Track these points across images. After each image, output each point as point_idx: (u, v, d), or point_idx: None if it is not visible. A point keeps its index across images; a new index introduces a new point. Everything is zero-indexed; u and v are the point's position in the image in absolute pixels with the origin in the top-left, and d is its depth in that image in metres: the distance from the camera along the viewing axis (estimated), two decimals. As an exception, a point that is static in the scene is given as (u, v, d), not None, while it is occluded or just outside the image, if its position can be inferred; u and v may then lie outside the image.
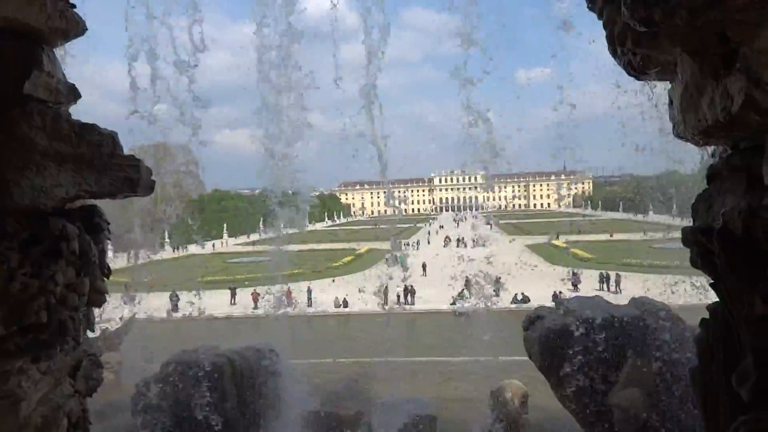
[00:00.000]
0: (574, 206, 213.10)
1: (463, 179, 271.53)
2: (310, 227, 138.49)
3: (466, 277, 43.66)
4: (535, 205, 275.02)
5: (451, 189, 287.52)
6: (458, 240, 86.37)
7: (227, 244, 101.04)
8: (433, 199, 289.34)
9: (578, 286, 42.56)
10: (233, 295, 45.30)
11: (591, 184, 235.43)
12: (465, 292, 41.88)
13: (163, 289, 41.86)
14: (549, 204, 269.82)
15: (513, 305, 36.43)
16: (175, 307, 41.30)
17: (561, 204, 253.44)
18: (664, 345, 9.81)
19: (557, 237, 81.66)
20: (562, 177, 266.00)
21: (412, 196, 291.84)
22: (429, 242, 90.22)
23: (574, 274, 43.74)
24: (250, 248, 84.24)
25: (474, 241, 63.02)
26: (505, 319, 16.30)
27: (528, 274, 48.58)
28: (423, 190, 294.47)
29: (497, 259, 41.00)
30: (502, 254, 43.79)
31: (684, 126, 4.86)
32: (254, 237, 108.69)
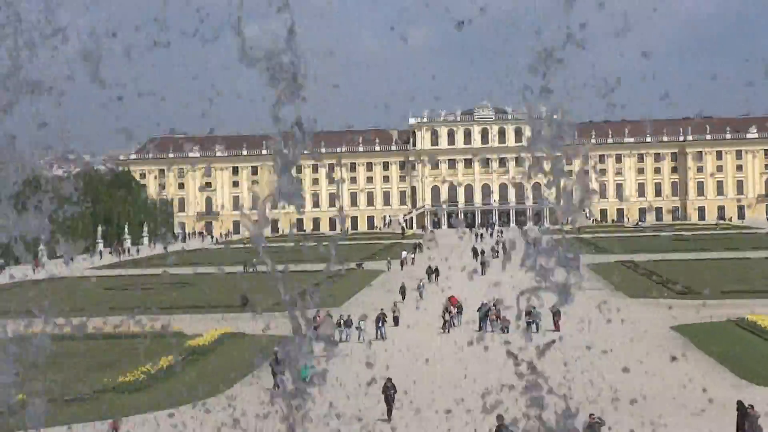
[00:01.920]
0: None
1: (498, 136, 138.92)
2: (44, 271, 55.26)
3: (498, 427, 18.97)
4: (702, 211, 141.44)
5: (465, 164, 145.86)
6: (489, 315, 38.33)
7: None
8: (416, 189, 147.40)
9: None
10: None
11: None
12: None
13: None
14: (742, 208, 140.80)
15: None
16: None
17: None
18: None
19: None
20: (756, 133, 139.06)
21: (357, 180, 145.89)
22: (397, 322, 41.30)
23: (745, 413, 22.48)
24: None
25: (532, 316, 32.07)
26: None
27: (680, 406, 24.38)
28: (386, 165, 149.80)
29: (591, 362, 24.53)
30: (601, 348, 26.39)
31: None
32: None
